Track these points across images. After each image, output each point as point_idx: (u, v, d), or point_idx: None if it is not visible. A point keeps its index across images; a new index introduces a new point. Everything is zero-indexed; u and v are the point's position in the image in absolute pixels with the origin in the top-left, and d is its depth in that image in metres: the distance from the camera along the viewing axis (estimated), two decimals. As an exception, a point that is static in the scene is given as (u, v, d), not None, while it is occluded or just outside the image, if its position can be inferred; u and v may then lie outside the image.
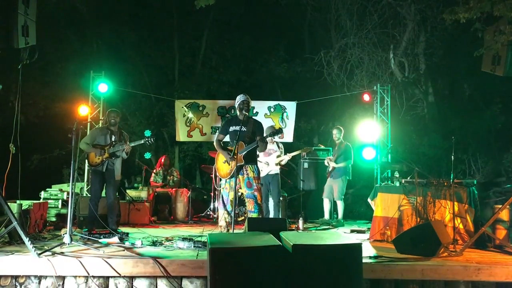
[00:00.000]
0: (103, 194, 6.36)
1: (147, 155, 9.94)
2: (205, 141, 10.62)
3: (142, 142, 6.31)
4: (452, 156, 5.36)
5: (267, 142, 5.84)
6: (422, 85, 12.19)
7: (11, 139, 5.59)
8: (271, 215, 7.38)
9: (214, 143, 5.84)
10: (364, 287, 4.03)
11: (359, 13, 11.71)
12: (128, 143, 6.26)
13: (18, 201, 5.63)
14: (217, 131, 6.21)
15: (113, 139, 6.24)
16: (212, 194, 8.82)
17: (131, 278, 4.14)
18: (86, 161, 6.22)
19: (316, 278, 3.33)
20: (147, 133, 7.76)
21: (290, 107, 9.48)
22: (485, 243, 5.35)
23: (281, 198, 7.57)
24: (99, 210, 6.16)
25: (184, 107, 9.44)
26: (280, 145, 7.66)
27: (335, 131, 8.09)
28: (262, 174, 7.26)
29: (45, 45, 10.94)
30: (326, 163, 8.13)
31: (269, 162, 7.37)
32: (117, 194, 6.50)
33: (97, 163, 6.12)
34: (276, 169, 7.40)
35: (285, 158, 7.41)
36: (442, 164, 10.27)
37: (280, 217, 7.37)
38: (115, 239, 5.26)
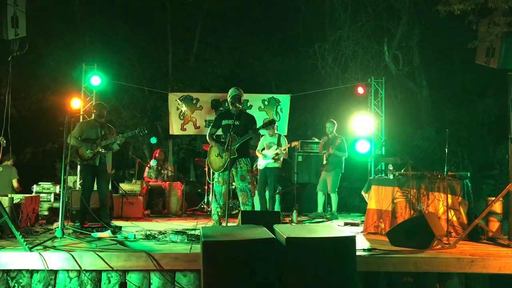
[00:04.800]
0: (95, 188, 6.30)
1: (153, 140, 9.85)
2: (199, 134, 10.56)
3: (136, 132, 6.26)
4: (446, 149, 5.36)
5: (259, 135, 5.82)
6: (416, 78, 12.20)
7: (1, 132, 5.54)
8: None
9: (207, 137, 5.81)
10: (358, 280, 4.02)
11: (353, 6, 11.69)
12: (116, 135, 6.23)
13: (9, 195, 5.59)
14: (211, 124, 6.16)
15: (103, 133, 6.17)
16: (206, 187, 8.79)
17: (124, 272, 4.11)
18: (77, 156, 6.08)
19: (310, 271, 3.32)
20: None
21: (284, 100, 9.45)
22: (478, 235, 5.37)
23: (275, 193, 7.55)
24: (91, 203, 6.12)
25: (178, 100, 9.38)
26: (283, 139, 7.56)
27: (328, 125, 8.08)
28: (261, 167, 7.41)
29: (36, 37, 10.81)
30: (324, 157, 8.06)
31: (267, 154, 7.37)
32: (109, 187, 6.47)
33: (89, 157, 6.02)
34: (273, 162, 7.38)
35: (277, 151, 7.38)
36: (436, 157, 10.30)
37: (274, 210, 7.37)
38: (108, 232, 5.23)
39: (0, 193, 6.00)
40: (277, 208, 7.50)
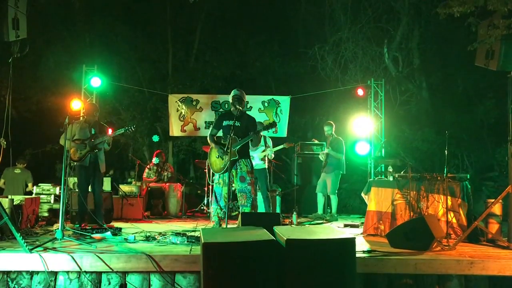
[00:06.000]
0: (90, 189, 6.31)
1: (155, 138, 9.85)
2: (199, 136, 10.57)
3: (123, 131, 6.27)
4: (446, 151, 5.36)
5: (260, 137, 5.83)
6: (415, 79, 12.21)
7: (2, 133, 5.54)
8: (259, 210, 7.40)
9: (208, 138, 5.81)
10: (357, 281, 4.03)
11: (353, 7, 11.69)
12: (109, 133, 6.24)
13: (10, 196, 5.59)
14: (211, 126, 6.17)
15: (92, 132, 6.17)
16: (206, 189, 8.80)
17: (124, 274, 4.11)
18: (69, 157, 6.07)
19: (310, 272, 3.32)
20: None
21: (284, 101, 9.45)
22: (478, 237, 5.37)
23: (268, 193, 7.56)
24: (89, 204, 6.12)
25: (178, 101, 9.39)
26: (268, 140, 7.62)
27: (326, 128, 8.09)
28: None
29: (36, 39, 10.82)
30: (320, 157, 8.13)
31: (254, 156, 7.39)
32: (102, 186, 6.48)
33: (80, 158, 6.04)
34: (262, 164, 7.42)
35: (267, 152, 7.41)
36: (436, 159, 10.31)
37: (270, 211, 7.36)
38: (106, 235, 5.23)
39: (15, 194, 6.10)
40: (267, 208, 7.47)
